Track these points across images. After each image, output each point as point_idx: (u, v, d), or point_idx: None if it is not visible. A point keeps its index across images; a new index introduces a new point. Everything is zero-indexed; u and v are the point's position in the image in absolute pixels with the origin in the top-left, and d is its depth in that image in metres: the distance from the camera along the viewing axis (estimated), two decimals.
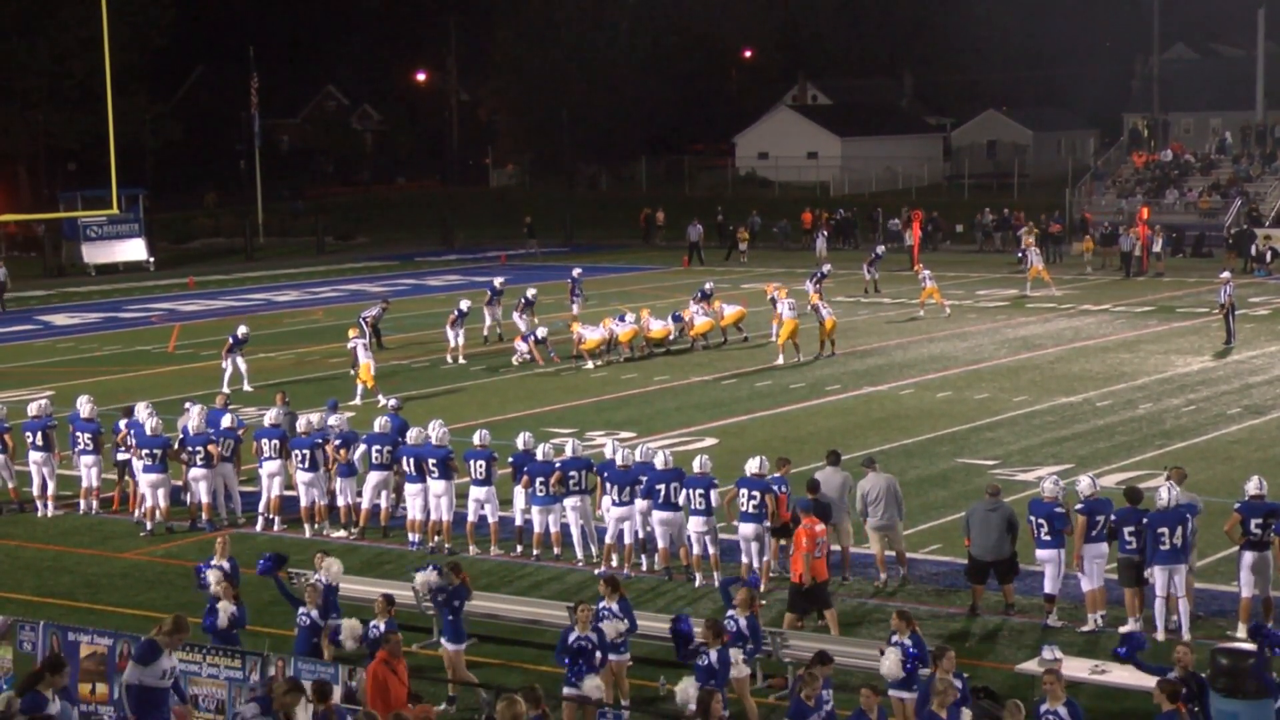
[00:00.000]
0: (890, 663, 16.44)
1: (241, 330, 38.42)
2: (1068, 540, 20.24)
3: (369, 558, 23.89)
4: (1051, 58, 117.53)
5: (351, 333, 37.89)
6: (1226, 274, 43.86)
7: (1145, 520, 19.75)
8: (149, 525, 25.75)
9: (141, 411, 26.61)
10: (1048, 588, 20.40)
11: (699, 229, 68.93)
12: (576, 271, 48.72)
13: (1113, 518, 20.15)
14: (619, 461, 22.80)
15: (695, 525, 22.06)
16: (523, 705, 13.87)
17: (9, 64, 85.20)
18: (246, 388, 36.98)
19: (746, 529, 21.64)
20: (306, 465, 25.04)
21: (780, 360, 39.99)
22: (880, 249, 60.12)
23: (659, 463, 22.39)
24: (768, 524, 21.67)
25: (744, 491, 21.68)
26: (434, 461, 23.88)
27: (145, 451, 25.70)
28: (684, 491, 22.14)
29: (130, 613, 21.36)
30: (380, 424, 25.23)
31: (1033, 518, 20.41)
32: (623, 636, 17.68)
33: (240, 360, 37.65)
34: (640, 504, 22.56)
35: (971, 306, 51.37)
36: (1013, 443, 30.66)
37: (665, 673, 18.48)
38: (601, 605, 17.76)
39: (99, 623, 19.24)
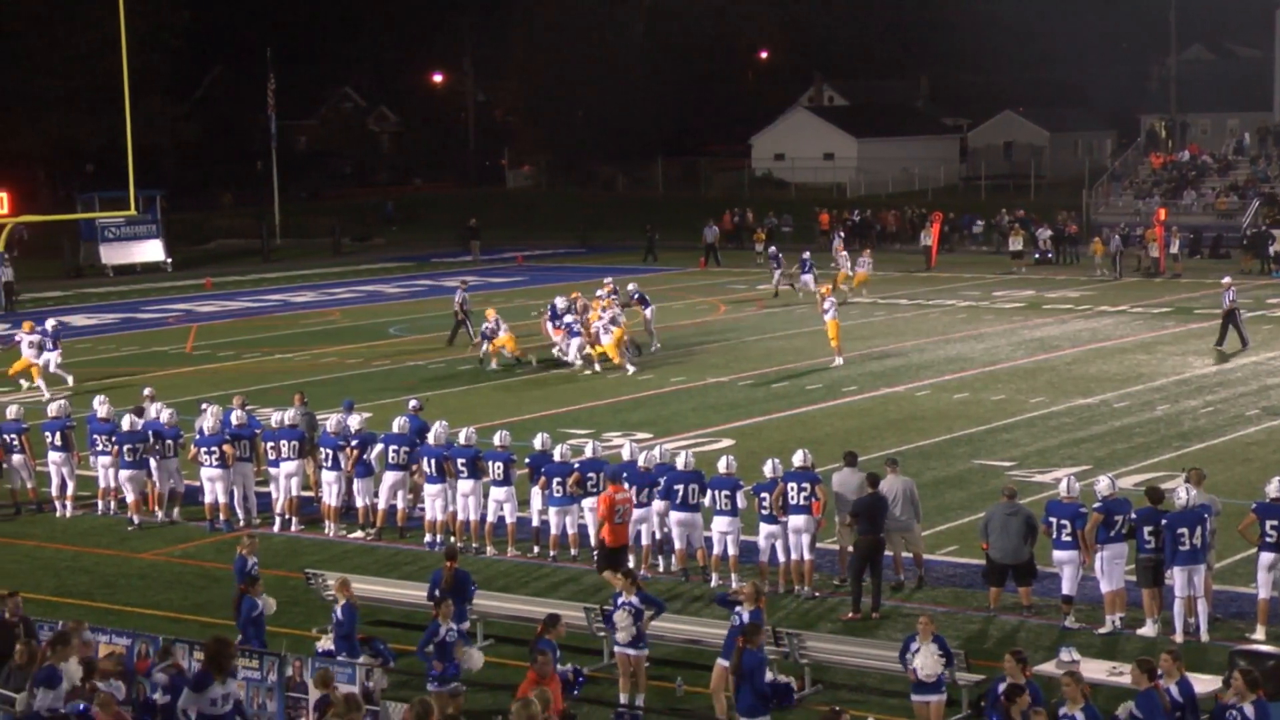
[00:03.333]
0: (927, 660, 16.41)
1: (51, 323, 39.47)
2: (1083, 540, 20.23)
3: (385, 558, 23.92)
4: (1068, 59, 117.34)
5: (489, 313, 40.66)
6: (1228, 279, 43.67)
7: (1164, 521, 19.73)
8: (135, 518, 26.08)
9: (150, 408, 26.90)
10: (1066, 589, 20.37)
11: (715, 230, 68.94)
12: (631, 286, 44.48)
13: (1133, 517, 20.13)
14: (640, 464, 22.82)
15: (720, 525, 22.08)
16: (538, 706, 13.81)
17: (27, 66, 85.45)
18: (64, 379, 38.16)
19: (797, 520, 21.67)
20: (330, 464, 25.12)
21: (839, 361, 39.76)
22: (806, 254, 57.74)
23: (680, 463, 22.43)
24: (819, 516, 21.75)
25: (793, 485, 21.71)
26: (463, 461, 23.91)
27: (126, 447, 25.98)
28: (709, 492, 22.16)
29: (148, 613, 21.41)
30: (399, 424, 25.25)
31: (1053, 518, 20.38)
32: (650, 620, 17.74)
33: (56, 357, 38.62)
34: (658, 505, 22.60)
35: (988, 308, 51.31)
36: (1030, 444, 30.62)
37: (683, 673, 18.51)
38: (621, 600, 17.80)
39: (117, 623, 19.29)
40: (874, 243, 71.28)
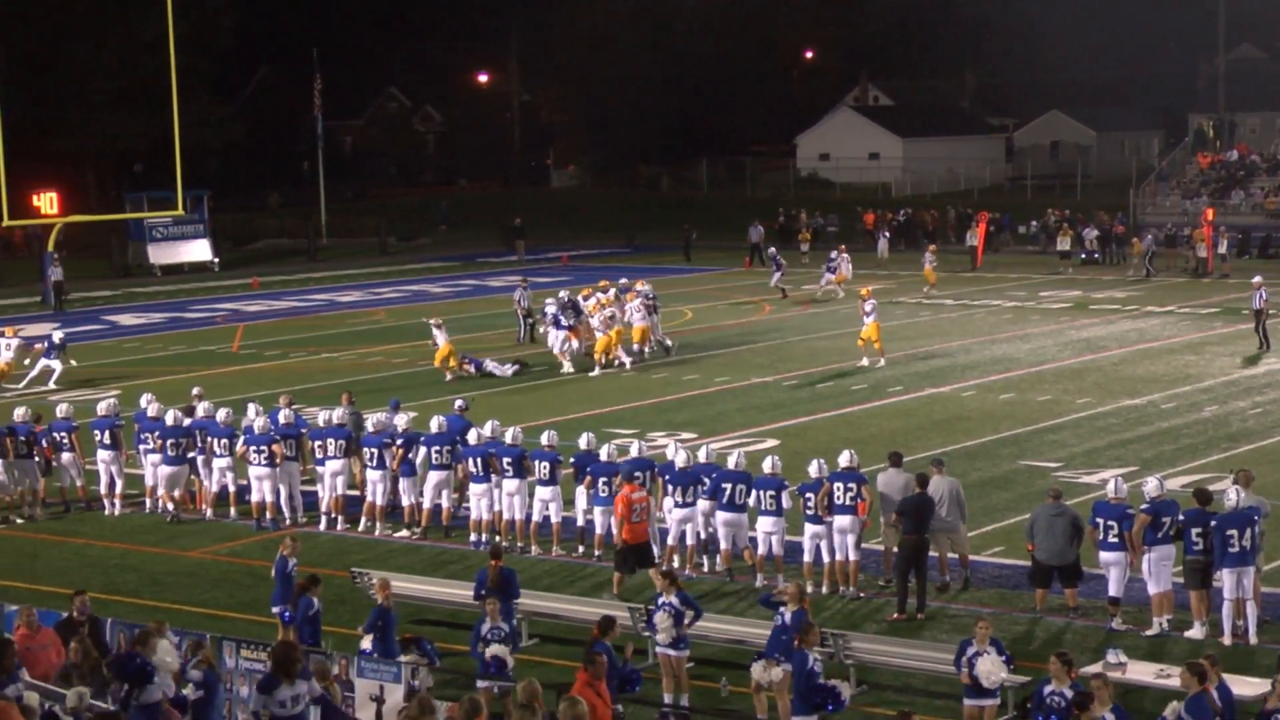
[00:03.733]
0: (992, 666, 16.30)
1: (58, 335, 40.39)
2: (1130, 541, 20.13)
3: (431, 558, 23.99)
4: (1115, 58, 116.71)
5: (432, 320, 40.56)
6: (1259, 278, 43.34)
7: (1213, 523, 19.62)
8: (170, 507, 26.51)
9: (208, 405, 27.34)
10: (1112, 591, 20.27)
11: (760, 230, 68.83)
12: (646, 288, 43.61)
13: (1180, 519, 20.01)
14: (679, 463, 22.84)
15: (765, 526, 22.06)
16: (584, 705, 13.76)
17: (76, 67, 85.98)
18: (51, 384, 38.61)
19: (842, 520, 21.65)
20: (375, 464, 25.20)
21: (866, 361, 39.64)
22: (833, 254, 57.85)
23: (731, 463, 22.45)
24: (864, 517, 21.76)
25: (839, 485, 21.69)
26: (509, 460, 23.98)
27: (170, 442, 26.28)
28: (754, 492, 22.14)
29: (196, 611, 21.52)
30: (438, 424, 25.31)
31: (1100, 519, 20.28)
32: (688, 626, 17.75)
33: (56, 363, 39.30)
34: (703, 504, 22.60)
35: (1034, 308, 51.09)
36: (1076, 445, 30.48)
37: (727, 673, 18.50)
38: (661, 600, 17.83)
39: (165, 620, 19.35)
40: (920, 242, 71.17)
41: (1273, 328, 41.88)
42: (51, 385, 38.76)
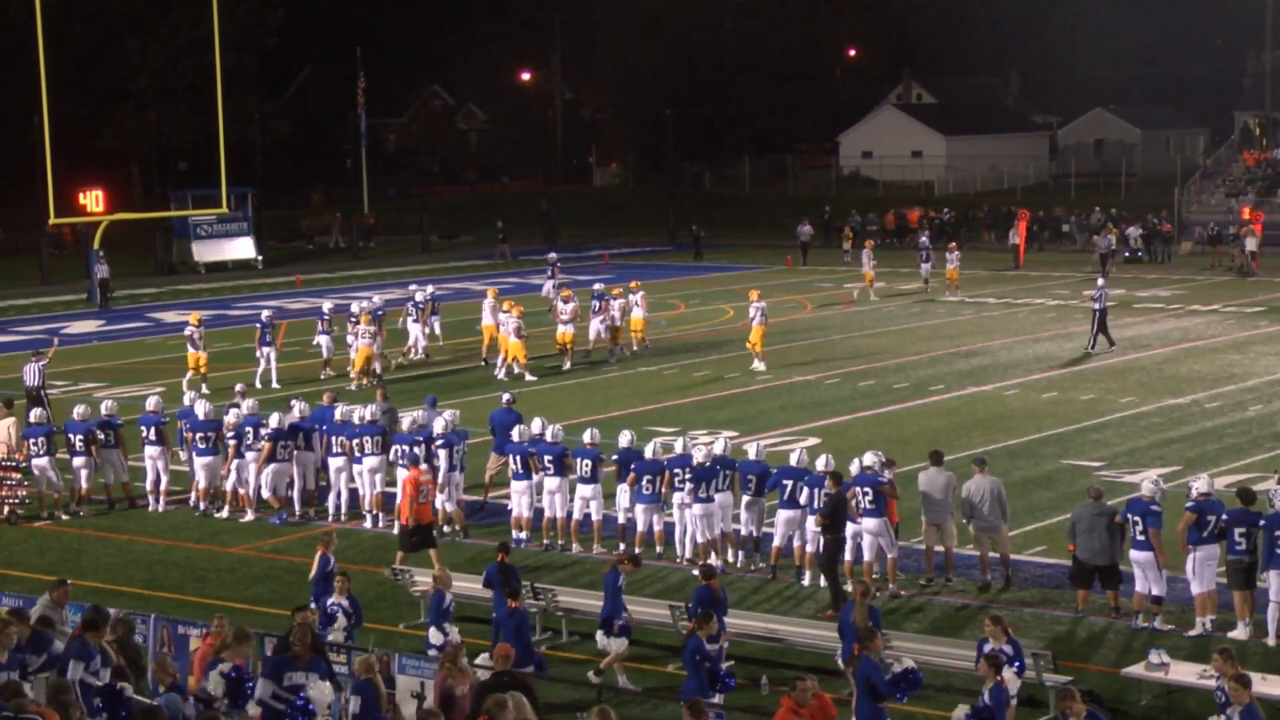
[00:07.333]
0: (1008, 679, 16.27)
1: (265, 313, 39.65)
2: (1156, 539, 20.00)
3: (473, 555, 24.03)
4: (1161, 55, 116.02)
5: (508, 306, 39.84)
6: (1101, 281, 43.28)
7: (1262, 522, 19.51)
8: (202, 505, 26.73)
9: (196, 400, 27.69)
10: (1138, 587, 20.16)
11: (809, 229, 68.74)
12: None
13: (1224, 518, 19.90)
14: (697, 458, 22.79)
15: (814, 525, 21.99)
16: (613, 715, 13.65)
17: (122, 65, 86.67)
18: (275, 384, 37.56)
19: (870, 523, 21.55)
20: (407, 462, 25.20)
21: (756, 364, 39.36)
22: (923, 238, 61.07)
23: (793, 460, 22.55)
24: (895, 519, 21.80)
25: (859, 489, 21.60)
26: (550, 458, 24.03)
27: (199, 435, 26.56)
28: (804, 490, 22.12)
29: (238, 606, 21.61)
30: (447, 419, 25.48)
31: (1129, 515, 20.22)
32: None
33: (271, 353, 38.52)
34: (720, 498, 22.68)
35: (1078, 306, 50.84)
36: (1119, 444, 30.35)
37: (767, 671, 18.50)
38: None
39: (208, 616, 19.45)
40: (961, 241, 70.95)
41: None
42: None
